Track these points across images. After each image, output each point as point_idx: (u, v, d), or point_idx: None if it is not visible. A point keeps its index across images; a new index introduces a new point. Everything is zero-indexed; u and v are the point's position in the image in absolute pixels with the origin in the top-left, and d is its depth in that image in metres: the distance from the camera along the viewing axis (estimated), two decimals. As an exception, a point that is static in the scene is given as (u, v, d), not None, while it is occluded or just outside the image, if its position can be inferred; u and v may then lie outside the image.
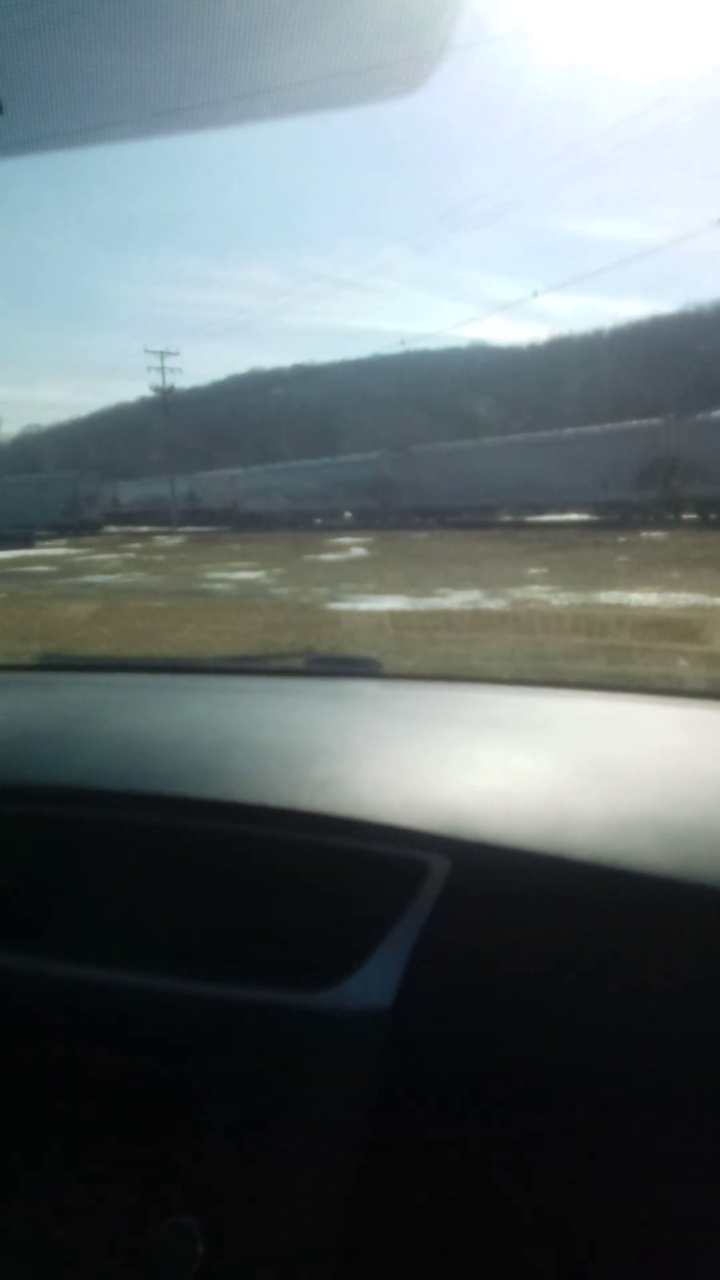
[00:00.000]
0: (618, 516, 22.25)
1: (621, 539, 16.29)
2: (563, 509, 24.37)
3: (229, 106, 1.14)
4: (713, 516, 20.27)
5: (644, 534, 17.54)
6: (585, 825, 0.88)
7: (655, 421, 23.67)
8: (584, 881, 0.82)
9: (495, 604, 8.41)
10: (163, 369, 39.76)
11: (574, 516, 23.69)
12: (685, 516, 20.73)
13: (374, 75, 1.07)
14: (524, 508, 24.76)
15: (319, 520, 29.33)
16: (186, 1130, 0.84)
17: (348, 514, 29.63)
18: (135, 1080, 0.87)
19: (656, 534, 17.25)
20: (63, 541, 25.79)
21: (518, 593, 9.17)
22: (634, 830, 0.86)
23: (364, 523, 26.65)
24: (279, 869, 0.94)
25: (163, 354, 39.51)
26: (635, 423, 24.51)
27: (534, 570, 11.24)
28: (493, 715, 1.27)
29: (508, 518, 24.26)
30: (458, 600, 8.67)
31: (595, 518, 23.09)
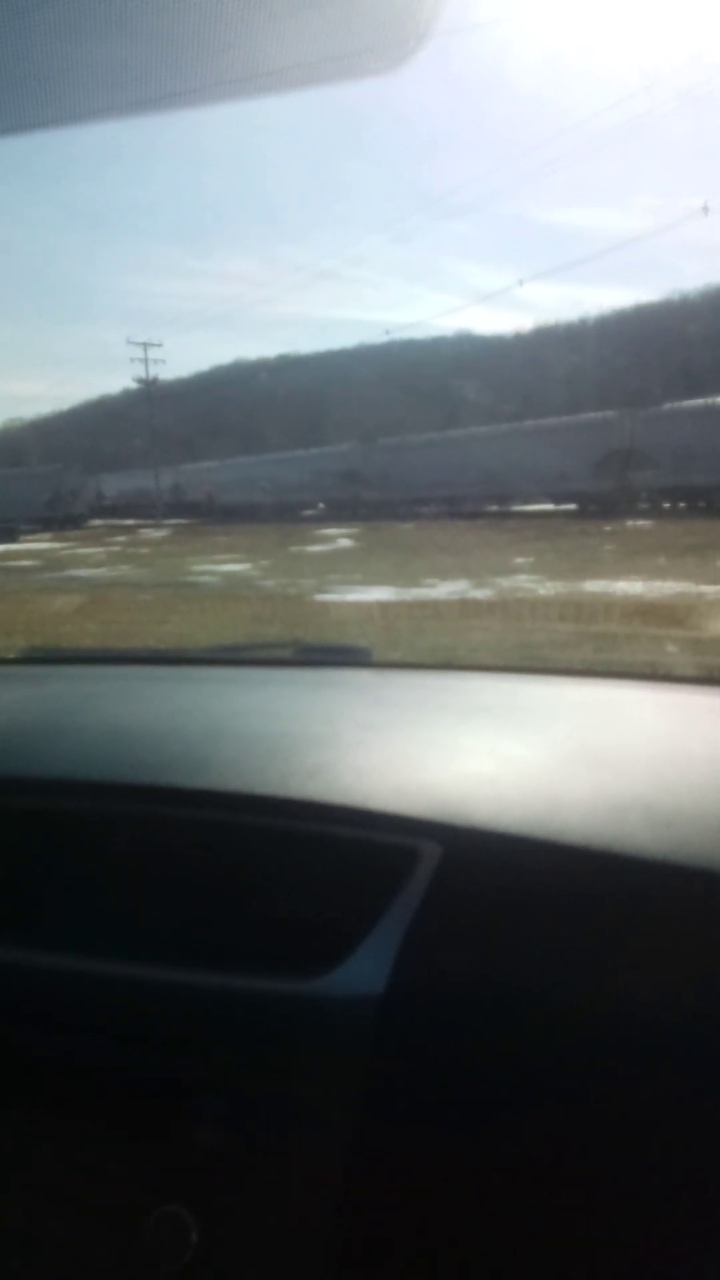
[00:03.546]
0: (574, 506, 22.86)
1: (579, 527, 16.69)
2: (523, 499, 25.00)
3: (207, 92, 1.12)
4: (665, 505, 20.70)
5: (600, 523, 17.92)
6: (576, 810, 0.88)
7: (610, 414, 24.33)
8: (575, 866, 0.82)
9: (482, 593, 8.42)
10: (146, 360, 39.43)
11: (533, 507, 24.30)
12: (640, 506, 21.16)
13: (354, 61, 1.06)
14: (486, 498, 25.28)
15: (303, 512, 29.54)
16: (178, 1119, 0.84)
17: (320, 505, 29.87)
18: (125, 1069, 0.87)
19: (611, 524, 17.59)
20: (47, 535, 25.60)
21: (504, 581, 9.20)
22: (624, 814, 0.87)
23: (334, 514, 26.92)
24: (268, 857, 0.93)
25: (145, 345, 39.18)
26: (591, 415, 25.29)
27: (519, 559, 11.28)
28: (482, 702, 1.27)
29: (494, 507, 24.64)
30: (445, 590, 8.68)
31: (552, 507, 23.69)
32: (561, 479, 23.25)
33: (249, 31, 1.04)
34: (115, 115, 1.15)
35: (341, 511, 26.90)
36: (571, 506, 22.86)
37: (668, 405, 23.80)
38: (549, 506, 23.70)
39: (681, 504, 20.92)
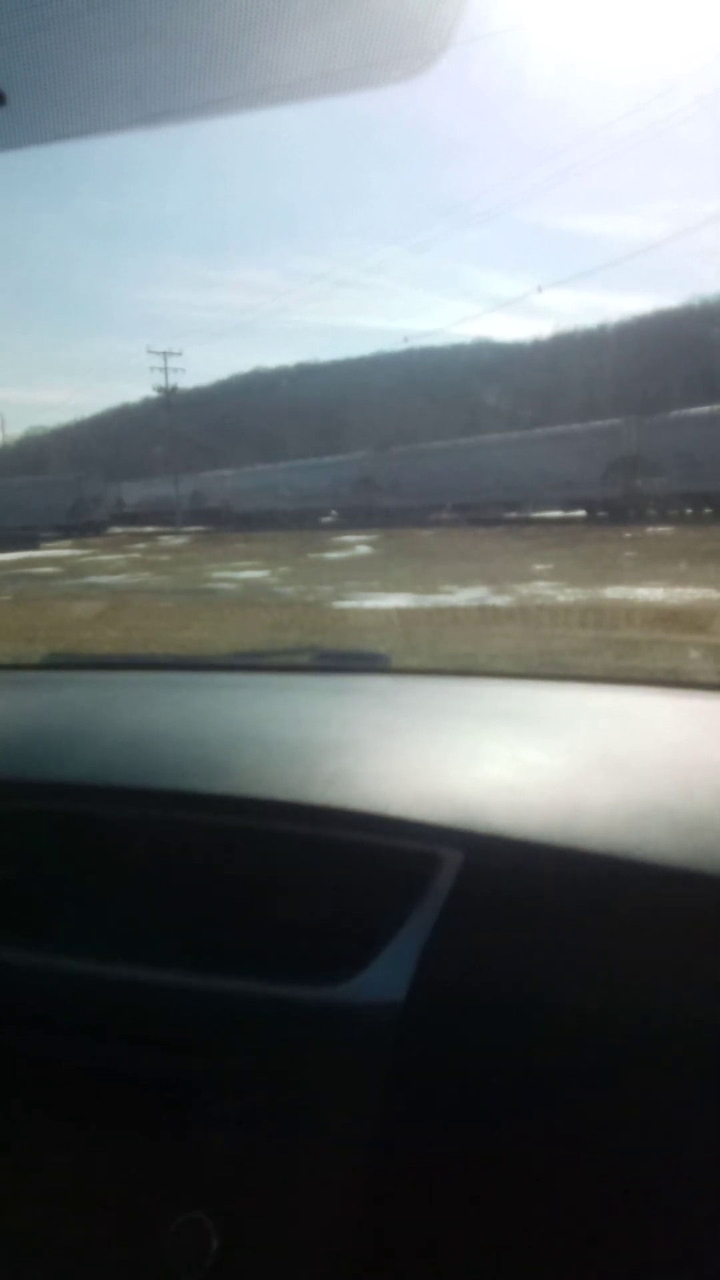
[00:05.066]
0: (583, 513, 23.17)
1: (597, 534, 16.83)
2: (533, 506, 25.37)
3: (226, 103, 1.13)
4: (671, 512, 20.84)
5: (619, 529, 17.97)
6: (597, 816, 0.87)
7: (616, 422, 24.56)
8: (597, 873, 0.81)
9: (501, 600, 8.40)
10: (166, 369, 39.81)
11: (547, 514, 24.69)
12: (647, 512, 21.34)
13: (372, 70, 1.07)
14: (497, 504, 25.57)
15: (321, 520, 29.80)
16: (199, 1125, 0.84)
17: (334, 512, 30.14)
18: (147, 1075, 0.87)
19: (626, 530, 17.63)
20: (67, 543, 25.84)
21: (523, 588, 9.17)
22: (647, 821, 0.86)
23: (350, 521, 27.18)
24: (288, 863, 0.93)
25: (165, 354, 39.56)
26: (598, 423, 25.50)
27: (539, 566, 11.25)
28: (501, 708, 1.27)
29: (507, 514, 24.90)
30: (464, 597, 8.66)
31: (561, 514, 24.07)
32: (569, 486, 23.47)
33: (266, 41, 1.05)
34: (134, 127, 1.16)
35: (357, 518, 27.15)
36: (580, 513, 23.07)
37: (674, 412, 24.11)
38: (558, 513, 23.93)
39: (688, 510, 21.00)
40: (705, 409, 22.61)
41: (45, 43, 1.05)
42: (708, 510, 20.40)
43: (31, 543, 24.43)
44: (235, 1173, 0.82)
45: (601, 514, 22.18)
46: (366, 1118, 0.78)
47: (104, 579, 13.84)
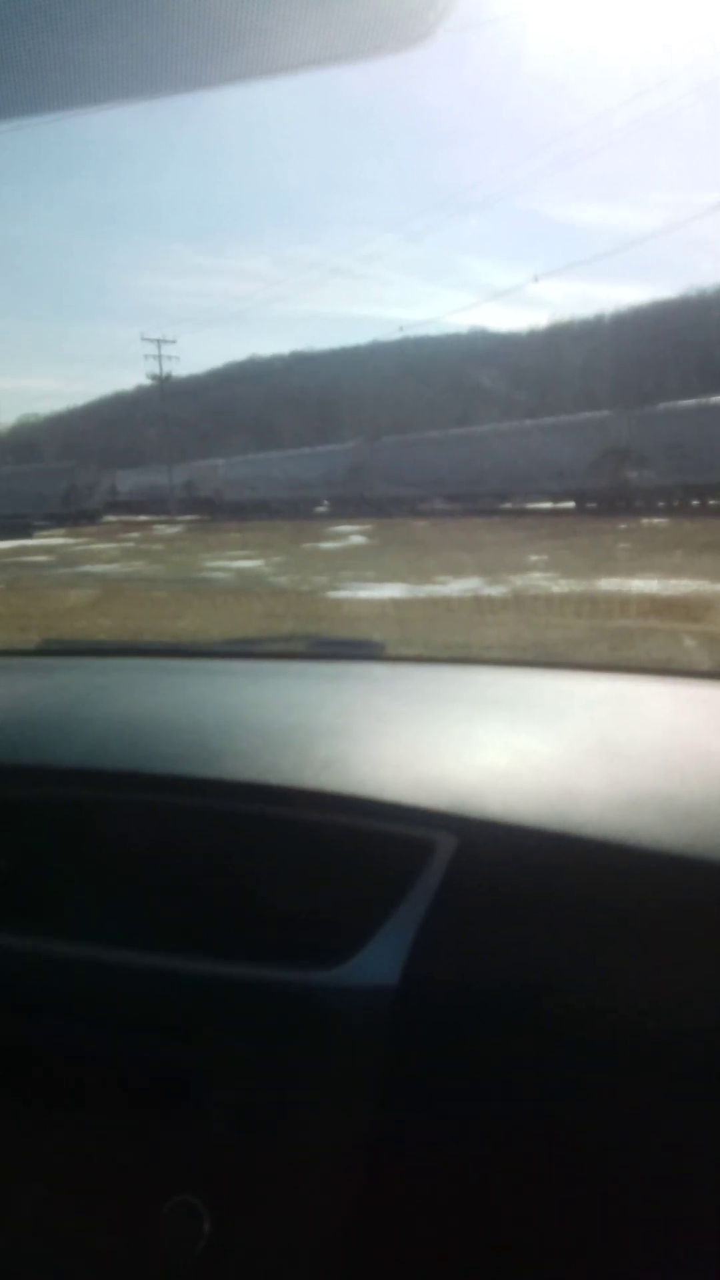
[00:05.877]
0: (571, 504, 23.35)
1: (591, 525, 16.91)
2: (522, 497, 25.55)
3: (220, 79, 1.12)
4: (660, 504, 20.91)
5: (614, 520, 18.08)
6: (591, 802, 0.87)
7: (606, 414, 24.76)
8: (591, 858, 0.81)
9: (496, 590, 8.39)
10: (160, 357, 39.57)
11: (538, 505, 24.86)
12: (635, 504, 21.53)
13: (367, 56, 1.05)
14: (486, 495, 25.73)
15: (315, 509, 29.83)
16: (192, 1109, 0.84)
17: (326, 502, 30.15)
18: (140, 1059, 0.87)
19: (620, 522, 17.70)
20: (61, 531, 25.72)
21: (518, 578, 9.17)
22: (640, 807, 0.86)
23: (342, 510, 27.20)
24: (283, 847, 0.93)
25: (159, 342, 39.35)
26: (588, 414, 25.74)
27: (534, 556, 11.26)
28: (496, 695, 1.26)
29: (493, 504, 25.07)
30: (458, 588, 8.65)
31: (551, 505, 24.26)
32: (559, 477, 23.63)
33: (265, 31, 1.04)
34: (128, 101, 1.14)
35: (350, 507, 27.19)
36: (569, 504, 23.24)
37: (662, 405, 24.28)
38: (548, 505, 24.09)
39: (676, 502, 21.12)
40: (693, 401, 22.76)
41: (39, 20, 1.04)
42: (695, 502, 20.53)
43: (25, 531, 24.29)
44: (228, 1155, 0.82)
45: (590, 505, 22.35)
46: (360, 1101, 0.78)
47: (98, 568, 13.78)
